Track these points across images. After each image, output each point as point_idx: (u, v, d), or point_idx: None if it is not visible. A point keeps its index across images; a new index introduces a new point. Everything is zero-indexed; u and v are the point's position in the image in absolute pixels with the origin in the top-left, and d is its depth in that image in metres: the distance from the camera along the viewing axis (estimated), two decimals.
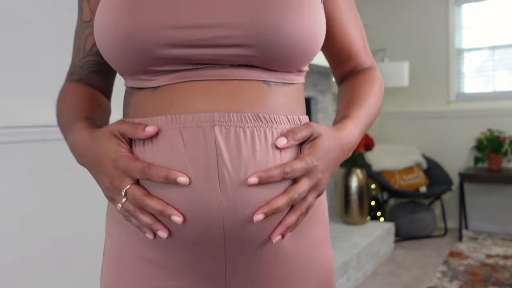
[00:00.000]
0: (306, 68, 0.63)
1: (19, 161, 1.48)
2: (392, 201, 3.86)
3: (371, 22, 4.12)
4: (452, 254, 3.22)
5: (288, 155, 0.56)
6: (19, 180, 1.49)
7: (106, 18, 0.55)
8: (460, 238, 3.56)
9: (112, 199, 0.57)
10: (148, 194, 0.54)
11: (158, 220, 0.55)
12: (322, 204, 0.68)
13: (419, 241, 3.59)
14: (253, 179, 0.52)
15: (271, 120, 0.55)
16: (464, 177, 3.55)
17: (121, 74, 0.61)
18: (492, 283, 2.66)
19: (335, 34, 0.70)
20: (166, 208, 0.53)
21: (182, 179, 0.52)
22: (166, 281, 0.60)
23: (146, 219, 0.54)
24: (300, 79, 0.63)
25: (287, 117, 0.57)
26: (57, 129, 1.59)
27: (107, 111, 0.72)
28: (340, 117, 0.64)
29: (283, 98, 0.58)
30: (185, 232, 0.55)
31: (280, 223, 0.56)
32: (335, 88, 3.82)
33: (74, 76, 0.73)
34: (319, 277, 0.65)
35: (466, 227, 3.83)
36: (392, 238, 3.37)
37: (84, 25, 0.68)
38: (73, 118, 0.65)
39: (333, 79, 3.69)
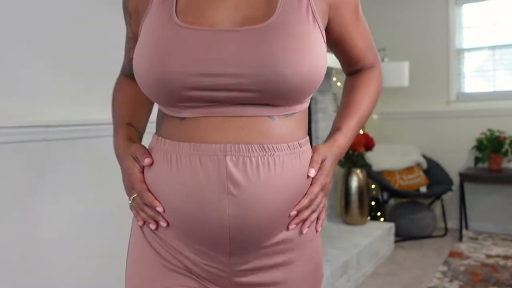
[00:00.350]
0: (308, 98, 0.75)
1: (19, 161, 1.48)
2: (392, 201, 3.86)
3: (371, 22, 4.10)
4: (452, 254, 3.22)
5: (289, 175, 0.70)
6: (19, 180, 1.49)
7: (141, 65, 0.70)
8: (460, 238, 3.56)
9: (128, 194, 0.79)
10: (145, 204, 0.75)
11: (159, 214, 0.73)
12: None
13: (419, 241, 3.59)
14: (293, 213, 0.72)
15: (274, 149, 0.69)
16: (465, 177, 3.55)
17: (153, 99, 0.74)
18: (492, 284, 2.66)
19: (344, 47, 0.85)
20: (157, 215, 0.74)
21: (159, 209, 0.72)
22: (183, 282, 0.74)
23: (150, 213, 0.74)
24: (304, 106, 0.75)
25: (288, 145, 0.71)
26: (57, 129, 1.59)
27: (147, 102, 0.90)
28: (334, 128, 0.84)
29: (286, 128, 0.71)
30: (200, 234, 0.71)
31: (297, 215, 0.73)
32: (335, 88, 3.82)
33: (125, 71, 0.93)
34: (308, 266, 0.79)
35: (466, 227, 3.83)
36: (392, 238, 3.36)
37: (129, 39, 0.87)
38: (119, 123, 0.87)
39: (334, 79, 3.71)
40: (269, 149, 0.69)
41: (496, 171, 3.55)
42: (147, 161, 0.73)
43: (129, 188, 0.77)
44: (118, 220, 1.86)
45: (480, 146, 3.65)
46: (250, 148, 0.68)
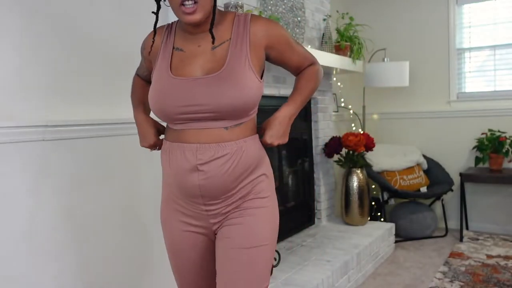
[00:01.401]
0: (252, 113, 1.20)
1: (19, 161, 1.48)
2: (392, 201, 3.86)
3: (372, 22, 4.12)
4: (453, 255, 3.22)
5: (231, 161, 1.17)
6: (19, 180, 1.49)
7: (152, 101, 1.19)
8: (461, 239, 3.56)
9: (144, 146, 1.35)
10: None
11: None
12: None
13: (419, 241, 3.59)
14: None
15: (224, 146, 1.16)
16: (465, 177, 3.54)
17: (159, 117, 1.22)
18: (493, 284, 2.65)
19: (285, 65, 1.30)
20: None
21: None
22: (183, 218, 1.27)
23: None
24: (250, 117, 1.21)
25: (235, 142, 1.17)
26: (57, 129, 1.58)
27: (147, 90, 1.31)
28: (283, 104, 1.28)
29: (234, 134, 1.17)
30: (185, 194, 1.22)
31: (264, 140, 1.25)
32: (335, 88, 3.82)
33: (140, 75, 1.40)
34: (257, 225, 1.24)
35: (467, 228, 3.83)
36: (392, 238, 3.36)
37: (143, 67, 1.36)
38: (136, 102, 1.36)
39: (334, 79, 3.70)
40: (220, 146, 1.15)
41: (496, 171, 3.55)
42: (147, 144, 1.33)
43: (148, 143, 1.33)
44: (117, 219, 1.86)
45: (480, 146, 3.65)
46: (210, 145, 1.15)
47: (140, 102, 1.35)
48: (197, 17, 1.11)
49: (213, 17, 1.15)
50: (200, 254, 1.28)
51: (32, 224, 1.53)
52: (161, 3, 1.20)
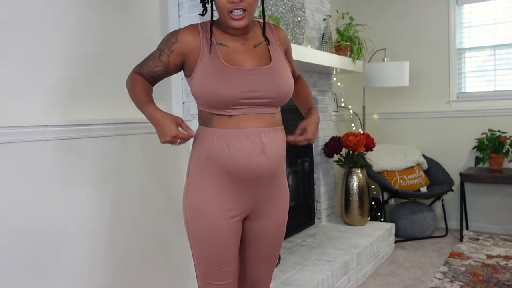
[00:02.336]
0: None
1: (19, 161, 1.48)
2: (392, 202, 3.86)
3: (371, 22, 4.11)
4: (453, 255, 3.22)
5: (282, 141, 1.35)
6: (19, 180, 1.49)
7: (206, 89, 1.26)
8: (461, 239, 3.56)
9: (166, 142, 1.27)
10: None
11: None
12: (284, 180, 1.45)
13: (419, 241, 3.59)
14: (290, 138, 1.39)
15: (276, 130, 1.34)
16: (465, 177, 3.54)
17: (208, 107, 1.30)
18: (493, 284, 2.65)
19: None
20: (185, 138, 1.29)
21: (193, 133, 1.32)
22: (233, 204, 1.33)
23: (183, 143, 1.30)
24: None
25: (279, 127, 1.36)
26: (57, 129, 1.58)
27: (152, 91, 1.42)
28: (309, 107, 1.50)
29: (278, 117, 1.37)
30: (247, 177, 1.30)
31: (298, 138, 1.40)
32: (335, 88, 3.81)
33: (142, 74, 1.39)
34: (285, 200, 1.45)
35: (467, 228, 3.83)
36: (392, 238, 3.36)
37: (159, 61, 1.35)
38: (146, 99, 1.33)
39: (334, 79, 3.70)
40: (274, 129, 1.33)
41: (497, 171, 3.55)
42: (192, 132, 1.30)
43: (172, 138, 1.26)
44: (118, 219, 1.86)
45: (480, 146, 3.64)
46: (268, 129, 1.30)
47: (150, 99, 1.35)
48: (244, 23, 1.26)
49: (264, 24, 1.38)
50: (236, 240, 1.36)
51: (32, 224, 1.53)
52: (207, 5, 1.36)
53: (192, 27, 1.32)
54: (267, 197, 1.37)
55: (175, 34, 1.32)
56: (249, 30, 1.34)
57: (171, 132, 1.26)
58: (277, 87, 1.29)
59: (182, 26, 2.12)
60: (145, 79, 1.39)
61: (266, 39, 1.37)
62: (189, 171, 1.35)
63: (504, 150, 3.56)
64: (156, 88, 2.05)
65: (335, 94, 3.87)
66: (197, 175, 1.32)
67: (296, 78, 1.56)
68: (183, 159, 2.16)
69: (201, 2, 1.37)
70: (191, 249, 1.36)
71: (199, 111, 1.36)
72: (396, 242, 3.50)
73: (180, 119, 1.32)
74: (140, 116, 1.95)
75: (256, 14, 2.41)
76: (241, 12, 1.24)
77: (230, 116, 1.27)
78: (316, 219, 3.42)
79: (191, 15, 2.09)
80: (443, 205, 3.76)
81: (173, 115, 1.33)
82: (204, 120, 1.33)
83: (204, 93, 1.26)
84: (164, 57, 1.33)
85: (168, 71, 1.37)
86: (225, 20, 1.26)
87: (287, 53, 1.46)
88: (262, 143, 1.27)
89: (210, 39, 1.29)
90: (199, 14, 1.37)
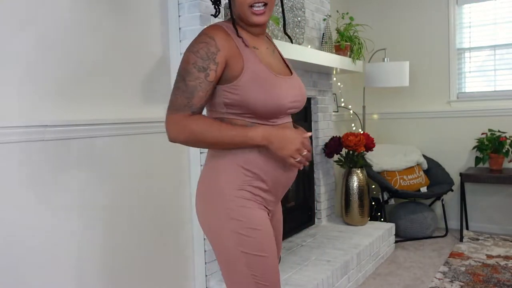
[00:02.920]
0: None
1: (19, 161, 1.48)
2: (392, 201, 3.86)
3: (371, 22, 4.12)
4: (453, 255, 3.21)
5: None
6: (19, 180, 1.49)
7: (267, 98, 1.17)
8: (461, 239, 3.56)
9: (290, 157, 1.19)
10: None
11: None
12: None
13: (419, 241, 3.59)
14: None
15: None
16: (465, 177, 3.54)
17: (256, 116, 1.19)
18: (493, 284, 2.65)
19: None
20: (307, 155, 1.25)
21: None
22: (267, 206, 1.27)
23: (308, 155, 1.24)
24: None
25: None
26: (57, 129, 1.58)
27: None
28: None
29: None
30: (281, 186, 1.29)
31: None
32: (335, 88, 3.81)
33: (194, 113, 1.16)
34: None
35: (467, 228, 3.83)
36: (392, 238, 3.36)
37: (208, 83, 1.15)
38: (240, 128, 1.17)
39: (334, 79, 3.70)
40: None
41: (497, 171, 3.55)
42: (309, 133, 1.26)
43: (300, 147, 1.19)
44: (117, 219, 1.86)
45: (480, 146, 3.64)
46: None
47: (236, 126, 1.17)
48: (265, 18, 1.20)
49: (284, 19, 1.37)
50: None
51: (31, 223, 1.53)
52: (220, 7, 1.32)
53: (220, 29, 1.19)
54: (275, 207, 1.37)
55: (211, 42, 1.14)
56: (265, 30, 1.30)
57: (297, 137, 1.19)
58: (304, 95, 1.29)
59: (182, 26, 2.11)
60: (201, 115, 1.17)
61: (289, 37, 1.41)
62: (218, 185, 1.19)
63: (504, 150, 3.56)
64: (155, 88, 2.06)
65: (335, 94, 3.87)
66: (234, 189, 1.19)
67: None
68: (183, 159, 2.16)
69: (213, 4, 1.31)
70: (233, 273, 1.19)
71: (226, 119, 1.20)
72: (396, 242, 3.50)
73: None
74: (140, 116, 1.96)
75: None
76: (263, 7, 1.18)
77: (273, 125, 1.21)
78: (316, 219, 3.42)
79: (191, 15, 2.09)
80: (443, 205, 3.76)
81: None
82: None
83: (256, 102, 1.15)
84: (211, 75, 1.14)
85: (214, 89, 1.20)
86: (245, 17, 1.19)
87: None
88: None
89: (243, 41, 1.21)
90: (212, 15, 1.34)
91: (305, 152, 1.20)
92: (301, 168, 1.25)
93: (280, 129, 1.19)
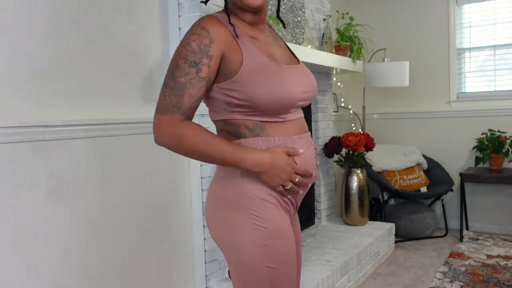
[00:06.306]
0: None
1: (19, 161, 1.48)
2: (392, 201, 3.86)
3: (371, 22, 4.12)
4: (453, 255, 3.22)
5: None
6: (19, 180, 1.49)
7: (272, 91, 1.04)
8: (461, 239, 3.56)
9: (280, 185, 1.08)
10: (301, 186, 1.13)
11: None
12: None
13: (419, 241, 3.59)
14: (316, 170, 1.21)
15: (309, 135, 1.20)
16: (465, 177, 3.54)
17: (262, 114, 1.07)
18: (493, 284, 2.65)
19: None
20: (307, 180, 1.13)
21: (315, 174, 1.15)
22: (289, 213, 1.16)
23: (305, 180, 1.12)
24: None
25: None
26: (57, 129, 1.58)
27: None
28: None
29: None
30: (306, 187, 1.16)
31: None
32: (335, 88, 3.81)
33: (184, 116, 1.03)
34: None
35: (467, 228, 3.83)
36: (392, 238, 3.36)
37: (200, 80, 1.02)
38: (232, 148, 1.04)
39: (334, 79, 3.70)
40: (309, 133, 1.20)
41: (496, 171, 3.55)
42: (301, 151, 1.10)
43: (291, 175, 1.08)
44: (118, 220, 1.86)
45: (480, 146, 3.65)
46: (309, 134, 1.19)
47: (233, 143, 1.06)
48: (260, 1, 1.09)
49: (279, 4, 1.28)
50: None
51: (31, 223, 1.53)
52: None
53: (214, 19, 1.07)
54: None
55: (203, 33, 1.03)
56: (264, 19, 1.18)
57: (288, 164, 1.07)
58: (314, 85, 1.17)
59: (182, 26, 2.11)
60: (195, 124, 1.04)
61: (282, 22, 1.29)
62: (240, 188, 1.08)
63: (504, 150, 3.56)
64: (155, 88, 2.06)
65: (335, 94, 3.87)
66: (255, 194, 1.07)
67: None
68: (183, 159, 2.16)
69: None
70: (249, 283, 1.08)
71: (230, 120, 1.09)
72: (396, 242, 3.50)
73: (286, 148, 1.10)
74: (140, 116, 1.96)
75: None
76: None
77: (283, 122, 1.09)
78: (316, 219, 3.42)
79: (191, 15, 2.09)
80: (443, 205, 3.76)
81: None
82: (249, 130, 1.08)
83: (260, 96, 1.03)
84: (204, 71, 1.02)
85: (209, 86, 1.07)
86: (240, 1, 1.09)
87: None
88: (313, 149, 1.17)
89: (235, 30, 1.09)
90: (201, 1, 1.27)
91: (297, 179, 1.07)
92: (296, 193, 1.12)
93: (272, 154, 1.05)
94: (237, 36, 1.06)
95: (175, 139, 1.01)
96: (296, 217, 1.27)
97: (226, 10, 1.11)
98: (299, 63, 1.20)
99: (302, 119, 1.17)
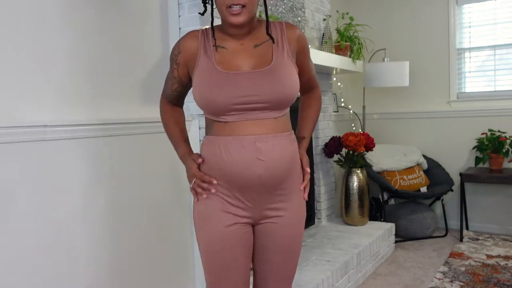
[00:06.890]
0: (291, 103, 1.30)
1: (19, 161, 1.48)
2: (392, 201, 3.86)
3: (371, 22, 4.11)
4: (453, 255, 3.22)
5: (287, 150, 1.28)
6: (19, 180, 1.49)
7: (200, 94, 1.24)
8: (461, 239, 3.56)
9: (190, 183, 1.30)
10: (201, 182, 1.28)
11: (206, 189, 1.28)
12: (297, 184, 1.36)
13: (419, 241, 3.59)
14: (302, 188, 1.37)
15: (279, 136, 1.26)
16: (465, 177, 3.54)
17: (207, 114, 1.27)
18: (493, 284, 2.65)
19: (302, 78, 1.39)
20: (209, 186, 1.27)
21: (215, 181, 1.27)
22: (231, 210, 1.28)
23: (205, 186, 1.28)
24: (287, 109, 1.31)
25: (285, 133, 1.28)
26: (57, 129, 1.58)
27: (184, 116, 1.47)
28: (302, 136, 1.45)
29: (281, 122, 1.28)
30: (246, 184, 1.24)
31: (304, 191, 1.38)
32: (335, 88, 3.81)
33: (167, 99, 1.43)
34: (296, 210, 1.42)
35: (467, 228, 3.83)
36: (392, 238, 3.36)
37: (173, 78, 1.36)
38: (178, 140, 1.39)
39: (334, 79, 3.69)
40: (274, 136, 1.25)
41: (496, 171, 3.55)
42: (200, 160, 1.29)
43: (192, 176, 1.29)
44: (116, 217, 1.86)
45: (480, 146, 3.65)
46: (267, 136, 1.24)
47: (183, 138, 1.39)
48: (242, 19, 1.23)
49: (267, 19, 1.32)
50: (245, 248, 1.31)
51: (31, 223, 1.53)
52: (207, 6, 1.34)
53: (192, 33, 1.32)
54: (275, 205, 1.31)
55: (177, 45, 1.32)
56: (253, 30, 1.30)
57: (190, 169, 1.30)
58: (276, 90, 1.22)
59: (182, 26, 2.13)
60: (173, 106, 1.42)
61: (271, 38, 1.29)
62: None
63: (504, 150, 3.56)
64: (155, 88, 2.06)
65: (335, 94, 3.87)
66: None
67: (310, 89, 1.48)
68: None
69: (202, 2, 1.35)
70: (201, 257, 1.32)
71: (205, 117, 1.33)
72: (396, 242, 3.50)
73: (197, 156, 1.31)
74: (140, 116, 1.96)
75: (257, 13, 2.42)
76: (239, 8, 1.21)
77: (225, 122, 1.24)
78: (316, 219, 3.42)
79: (191, 15, 2.09)
80: (443, 205, 3.76)
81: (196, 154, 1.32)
82: (207, 126, 1.31)
83: (199, 100, 1.25)
84: (175, 72, 1.34)
85: (185, 85, 1.37)
86: (224, 17, 1.24)
87: (300, 55, 1.35)
88: (258, 150, 1.21)
89: (214, 39, 1.28)
90: (199, 13, 1.36)
91: (190, 184, 1.29)
92: (199, 194, 1.29)
93: (186, 156, 1.34)
94: (213, 46, 1.28)
95: (160, 114, 1.44)
96: (282, 218, 1.34)
97: (212, 21, 1.31)
98: (269, 65, 1.26)
99: (253, 122, 1.24)
